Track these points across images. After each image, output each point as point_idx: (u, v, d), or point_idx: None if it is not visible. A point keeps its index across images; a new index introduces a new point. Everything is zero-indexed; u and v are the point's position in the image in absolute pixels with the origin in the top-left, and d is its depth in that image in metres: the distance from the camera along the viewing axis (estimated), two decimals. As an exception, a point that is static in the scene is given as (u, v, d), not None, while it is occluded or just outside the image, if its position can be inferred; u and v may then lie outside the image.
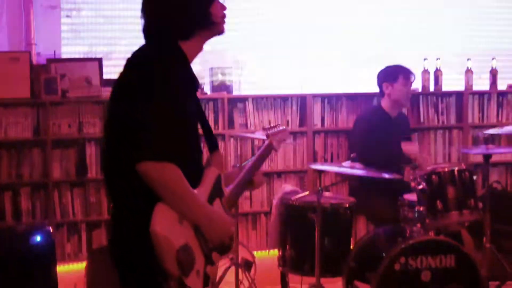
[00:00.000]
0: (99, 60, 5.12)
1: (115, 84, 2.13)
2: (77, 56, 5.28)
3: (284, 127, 2.76)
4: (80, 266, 4.90)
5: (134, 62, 2.11)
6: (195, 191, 2.10)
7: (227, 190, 2.35)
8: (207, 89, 5.34)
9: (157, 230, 1.94)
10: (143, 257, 1.99)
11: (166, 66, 2.04)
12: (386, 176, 3.66)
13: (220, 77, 5.35)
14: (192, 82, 2.22)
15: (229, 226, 2.19)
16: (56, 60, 5.12)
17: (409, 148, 4.61)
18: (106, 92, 5.02)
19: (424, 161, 4.44)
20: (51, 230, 4.18)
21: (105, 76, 5.11)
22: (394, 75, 4.61)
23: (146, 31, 2.21)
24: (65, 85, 5.01)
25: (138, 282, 2.06)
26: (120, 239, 2.08)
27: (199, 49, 2.24)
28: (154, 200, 1.98)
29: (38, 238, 3.99)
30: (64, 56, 5.29)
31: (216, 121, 5.23)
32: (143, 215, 1.97)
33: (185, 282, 2.00)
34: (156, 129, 1.96)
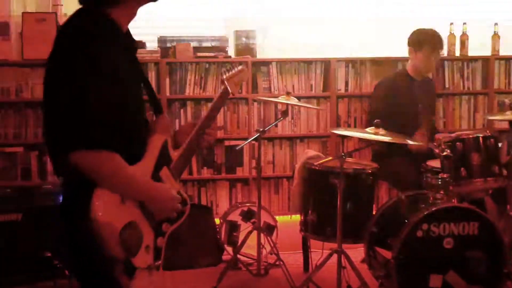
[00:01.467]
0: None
1: (49, 57, 2.01)
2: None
3: (241, 67, 2.58)
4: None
5: (63, 38, 2.00)
6: (139, 164, 2.06)
7: (175, 154, 2.27)
8: (231, 52, 5.31)
9: (97, 217, 1.89)
10: (88, 245, 1.93)
11: (94, 41, 1.94)
12: (410, 142, 3.64)
13: (244, 41, 5.32)
14: (127, 49, 2.12)
15: (170, 198, 2.13)
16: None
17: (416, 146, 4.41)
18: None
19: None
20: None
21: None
22: (420, 43, 4.53)
23: None
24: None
25: (88, 270, 2.02)
26: (67, 225, 2.02)
27: (132, 15, 2.12)
28: (93, 184, 1.93)
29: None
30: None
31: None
32: (83, 200, 1.91)
33: (133, 263, 1.98)
34: (85, 115, 1.88)
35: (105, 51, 1.95)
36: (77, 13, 2.05)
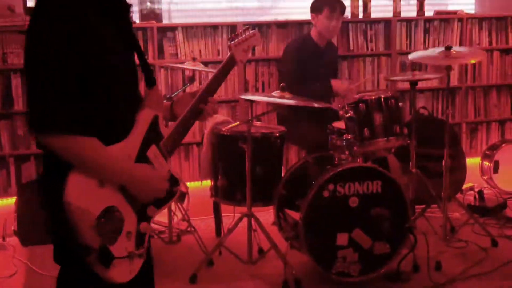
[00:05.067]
0: (22, -12, 4.93)
1: (27, 29, 1.84)
2: (-2, -17, 5.06)
3: (253, 31, 2.34)
4: (9, 201, 4.84)
5: (38, 8, 1.83)
6: (123, 142, 1.91)
7: (167, 130, 2.07)
8: (135, 17, 5.22)
9: (70, 200, 1.77)
10: (61, 230, 1.84)
11: (68, 9, 1.77)
12: (316, 105, 3.70)
13: (149, 5, 5.23)
14: (110, 9, 1.93)
15: (158, 180, 1.98)
16: (-24, -12, 4.91)
17: (338, 85, 4.64)
18: (30, 22, 4.85)
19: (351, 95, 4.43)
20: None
21: (29, 4, 4.93)
22: (320, 6, 4.63)
23: None
24: (-13, 14, 4.83)
25: (62, 254, 1.92)
26: (44, 200, 1.91)
27: None
28: (68, 166, 1.80)
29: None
30: (-16, -17, 5.08)
31: (145, 51, 5.13)
32: (57, 183, 1.80)
33: (111, 251, 1.84)
34: (54, 94, 1.74)
35: (74, 16, 1.78)
36: None
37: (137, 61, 2.05)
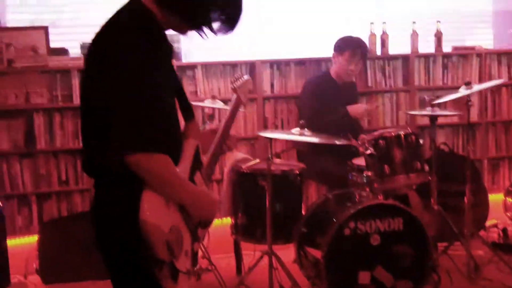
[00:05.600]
0: (45, 29, 5.00)
1: (90, 56, 2.00)
2: (22, 24, 5.16)
3: (247, 76, 2.66)
4: (31, 239, 4.86)
5: (107, 40, 1.97)
6: (177, 168, 2.06)
7: (204, 159, 2.29)
8: (155, 57, 5.26)
9: (146, 218, 1.89)
10: (134, 246, 1.93)
11: (138, 43, 1.93)
12: (336, 142, 3.71)
13: (168, 45, 5.29)
14: (167, 51, 2.12)
15: (213, 201, 2.15)
16: (1, 29, 5.01)
17: (354, 108, 4.65)
18: (53, 61, 4.95)
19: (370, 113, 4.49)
20: (1, 204, 4.13)
21: (52, 45, 5.01)
22: (342, 48, 4.66)
23: None
24: (11, 54, 4.91)
25: (130, 272, 1.99)
26: (106, 227, 2.00)
27: (175, 27, 2.11)
28: (140, 185, 1.93)
29: (-13, 213, 3.95)
30: (9, 24, 5.18)
31: (165, 89, 5.18)
32: (130, 202, 1.92)
33: (176, 266, 1.97)
34: (140, 117, 1.89)
35: (145, 51, 1.94)
36: (122, 11, 2.03)
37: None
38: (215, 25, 2.08)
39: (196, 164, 2.18)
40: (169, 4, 2.02)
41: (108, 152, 1.93)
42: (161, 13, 2.03)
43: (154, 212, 1.92)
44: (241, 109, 2.71)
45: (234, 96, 2.53)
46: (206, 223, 2.19)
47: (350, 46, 4.62)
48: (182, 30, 2.12)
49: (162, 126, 1.97)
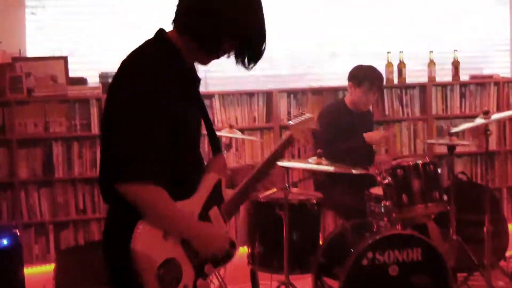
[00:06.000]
0: (65, 58, 5.07)
1: (112, 84, 2.04)
2: (42, 54, 5.23)
3: (309, 115, 2.55)
4: (48, 268, 4.86)
5: (128, 67, 2.01)
6: (189, 200, 2.04)
7: (229, 194, 2.26)
8: (173, 86, 5.30)
9: (136, 248, 1.89)
10: (126, 275, 1.95)
11: (156, 72, 1.96)
12: (353, 171, 3.69)
13: (186, 74, 5.32)
14: (188, 80, 2.13)
15: (221, 239, 2.11)
16: (21, 59, 5.07)
17: (371, 135, 4.63)
18: (72, 91, 5.00)
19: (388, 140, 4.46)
20: (18, 233, 4.15)
21: (71, 74, 5.07)
22: (360, 79, 4.60)
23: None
24: (31, 83, 4.98)
25: None
26: (107, 254, 2.04)
27: (199, 59, 2.14)
28: (138, 214, 1.94)
29: (5, 242, 3.96)
30: (29, 54, 5.25)
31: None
32: (126, 230, 1.92)
33: None
34: (136, 147, 1.88)
35: (163, 81, 1.96)
36: (147, 43, 2.09)
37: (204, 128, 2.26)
38: (234, 54, 2.10)
39: (215, 198, 2.14)
40: (185, 27, 2.05)
41: (106, 179, 1.96)
42: (183, 42, 2.06)
43: (146, 242, 1.91)
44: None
45: (287, 133, 2.42)
46: (218, 261, 2.12)
47: (367, 78, 4.58)
48: (203, 59, 2.14)
49: (166, 157, 1.95)
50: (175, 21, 2.09)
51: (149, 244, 1.92)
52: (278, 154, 2.42)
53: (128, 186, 1.89)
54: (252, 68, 2.14)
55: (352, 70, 4.70)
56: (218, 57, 2.12)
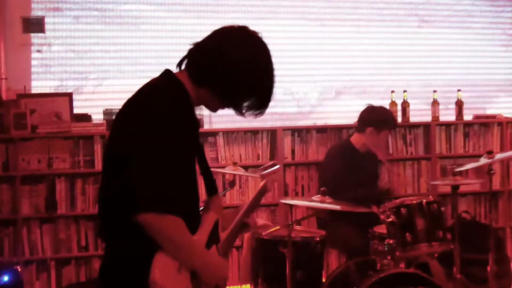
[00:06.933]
0: (69, 95, 5.10)
1: (118, 119, 2.09)
2: (47, 90, 5.27)
3: (277, 166, 2.77)
4: (49, 305, 4.83)
5: (143, 102, 2.06)
6: (194, 237, 2.09)
7: (222, 235, 2.33)
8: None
9: (157, 281, 1.93)
10: None
11: (169, 110, 2.01)
12: (357, 210, 3.68)
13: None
14: (194, 124, 2.18)
15: (225, 270, 2.19)
16: (26, 95, 5.11)
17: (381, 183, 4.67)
18: (76, 128, 5.01)
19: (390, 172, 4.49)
20: (19, 269, 4.13)
21: (75, 111, 5.09)
22: (382, 126, 4.64)
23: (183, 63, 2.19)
24: (35, 120, 4.99)
25: None
26: (114, 284, 2.04)
27: (203, 102, 2.22)
28: (153, 246, 1.96)
29: (6, 278, 3.94)
30: (34, 90, 5.29)
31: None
32: (142, 261, 1.95)
33: None
34: (156, 178, 1.92)
35: (178, 117, 2.02)
36: (157, 79, 2.15)
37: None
38: (244, 105, 2.19)
39: (213, 237, 2.21)
40: (206, 83, 2.12)
41: (122, 205, 1.96)
42: (195, 89, 2.13)
43: (166, 275, 1.96)
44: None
45: (262, 183, 2.58)
46: None
47: (389, 125, 4.64)
48: (214, 108, 2.21)
49: (181, 191, 2.01)
50: (191, 69, 2.14)
51: (167, 276, 1.96)
52: (256, 203, 2.55)
53: (150, 216, 1.91)
54: (260, 116, 2.24)
55: (369, 114, 4.69)
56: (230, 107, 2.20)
